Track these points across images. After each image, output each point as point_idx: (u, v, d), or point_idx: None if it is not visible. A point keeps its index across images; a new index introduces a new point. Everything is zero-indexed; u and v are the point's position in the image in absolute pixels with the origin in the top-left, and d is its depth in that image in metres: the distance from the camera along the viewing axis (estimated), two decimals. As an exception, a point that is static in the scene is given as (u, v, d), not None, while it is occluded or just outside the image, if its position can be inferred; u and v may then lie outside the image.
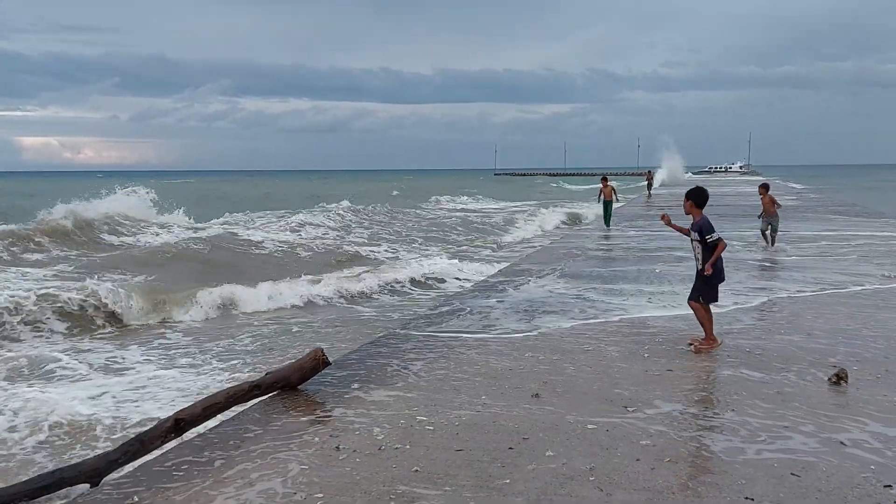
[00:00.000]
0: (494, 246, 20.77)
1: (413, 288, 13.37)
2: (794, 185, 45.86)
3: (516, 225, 26.34)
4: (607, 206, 17.54)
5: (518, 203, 43.13)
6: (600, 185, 18.05)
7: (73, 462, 4.85)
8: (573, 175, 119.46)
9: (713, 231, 5.57)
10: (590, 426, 4.05)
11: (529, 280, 9.42)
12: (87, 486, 4.03)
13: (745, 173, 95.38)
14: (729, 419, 4.14)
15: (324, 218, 25.96)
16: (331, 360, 5.14)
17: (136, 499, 3.27)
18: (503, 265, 12.95)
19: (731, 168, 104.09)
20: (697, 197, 5.74)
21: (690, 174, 71.69)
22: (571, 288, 8.73)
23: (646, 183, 37.37)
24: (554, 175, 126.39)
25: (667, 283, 8.94)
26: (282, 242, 19.53)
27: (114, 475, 3.94)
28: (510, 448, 3.75)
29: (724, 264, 5.76)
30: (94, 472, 4.35)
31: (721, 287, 5.78)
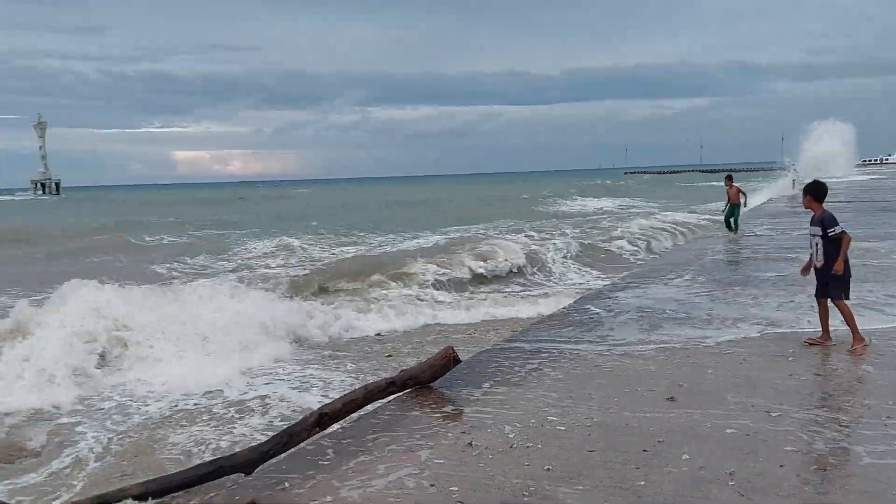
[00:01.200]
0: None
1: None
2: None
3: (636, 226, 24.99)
4: (733, 209, 15.65)
5: (644, 202, 41.90)
6: (725, 187, 15.97)
7: (230, 454, 5.24)
8: (708, 172, 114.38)
9: (836, 224, 5.42)
10: (728, 430, 3.92)
11: (656, 284, 9.17)
12: (243, 474, 4.35)
13: None
14: (881, 427, 3.88)
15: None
16: (461, 358, 5.26)
17: (286, 485, 3.51)
18: (631, 270, 12.65)
19: (887, 160, 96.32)
20: (816, 191, 5.67)
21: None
22: (702, 292, 8.41)
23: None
24: (687, 172, 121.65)
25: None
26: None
27: (266, 464, 4.23)
28: (644, 450, 3.70)
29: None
30: (248, 462, 4.68)
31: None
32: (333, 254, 20.05)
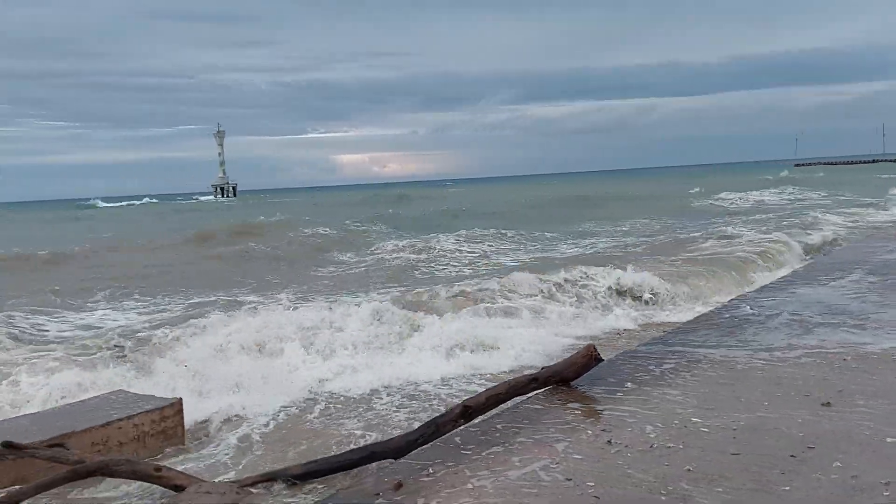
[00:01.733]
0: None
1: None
2: None
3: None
4: None
5: (821, 196, 38.93)
6: None
7: (383, 440, 5.60)
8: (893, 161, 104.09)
9: None
10: (889, 439, 3.69)
11: (821, 283, 8.60)
12: (392, 459, 4.66)
13: None
14: None
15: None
16: (603, 357, 5.29)
17: (430, 471, 3.74)
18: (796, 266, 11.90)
19: None
20: None
21: None
22: (874, 293, 7.80)
23: None
24: (870, 163, 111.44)
25: None
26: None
27: (413, 452, 4.50)
28: (792, 456, 3.58)
29: None
30: (397, 449, 5.01)
31: None
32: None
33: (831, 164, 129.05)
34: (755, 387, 4.74)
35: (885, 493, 3.10)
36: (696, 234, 20.66)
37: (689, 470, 3.51)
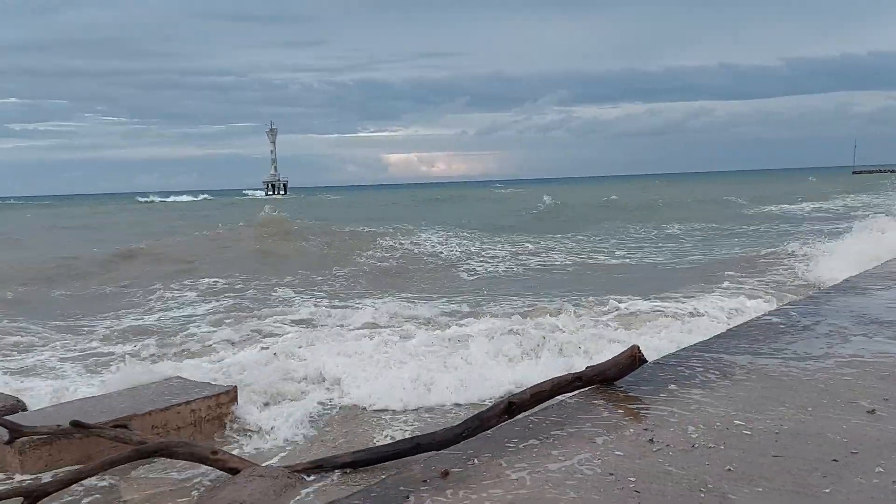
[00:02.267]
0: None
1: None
2: None
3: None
4: None
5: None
6: None
7: (429, 432, 5.77)
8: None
9: None
10: (934, 448, 3.70)
11: (863, 294, 8.46)
12: (436, 451, 4.81)
13: None
14: None
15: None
16: (648, 359, 5.35)
17: (476, 461, 3.88)
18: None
19: None
20: None
21: None
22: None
23: None
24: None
25: None
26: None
27: (459, 444, 4.64)
28: (834, 460, 3.62)
29: None
30: (443, 441, 5.16)
31: None
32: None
33: (893, 171, 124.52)
34: (800, 393, 4.75)
35: (926, 499, 3.13)
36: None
37: (729, 470, 3.57)
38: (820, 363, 5.46)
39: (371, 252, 24.36)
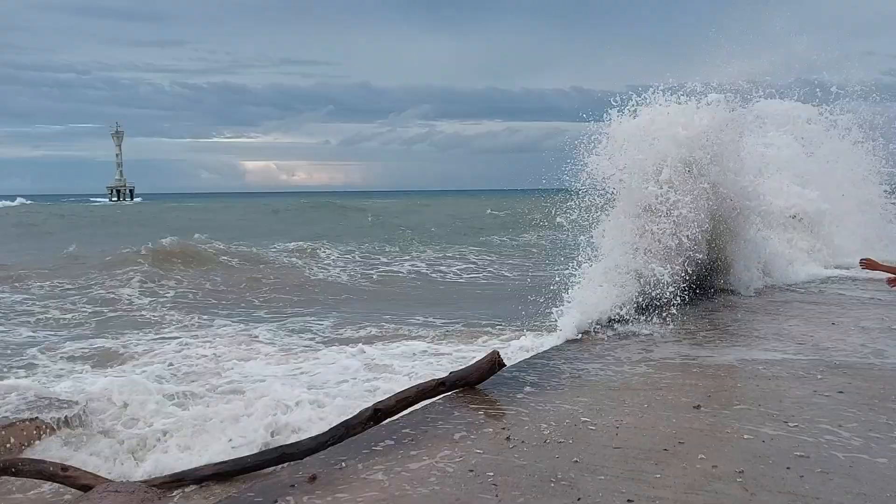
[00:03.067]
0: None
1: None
2: None
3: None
4: None
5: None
6: None
7: (293, 442, 5.79)
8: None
9: None
10: (746, 436, 4.26)
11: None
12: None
13: None
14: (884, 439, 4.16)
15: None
16: (506, 363, 5.71)
17: (343, 465, 4.02)
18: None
19: None
20: None
21: None
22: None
23: None
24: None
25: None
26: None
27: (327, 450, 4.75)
28: (665, 449, 4.08)
29: None
30: (308, 450, 5.22)
31: None
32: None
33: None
34: (637, 393, 5.27)
35: (737, 479, 3.63)
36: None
37: (576, 461, 3.94)
38: (656, 364, 6.07)
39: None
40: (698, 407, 4.86)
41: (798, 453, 3.97)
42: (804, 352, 6.47)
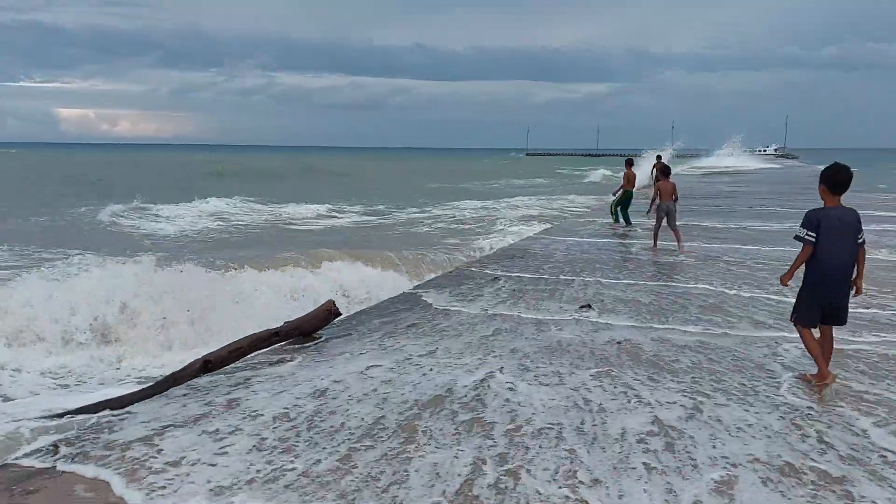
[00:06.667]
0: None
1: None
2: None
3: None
4: (628, 199, 13.98)
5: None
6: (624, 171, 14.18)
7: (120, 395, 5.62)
8: (602, 157, 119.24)
9: (800, 227, 4.21)
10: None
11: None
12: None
13: (779, 156, 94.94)
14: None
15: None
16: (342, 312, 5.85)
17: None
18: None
19: (765, 151, 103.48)
20: (829, 179, 4.25)
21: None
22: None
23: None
24: (585, 156, 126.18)
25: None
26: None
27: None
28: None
29: (828, 276, 4.22)
30: (131, 402, 5.10)
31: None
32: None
33: (556, 154, 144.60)
34: (454, 338, 5.62)
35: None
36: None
37: (403, 398, 4.19)
38: (466, 319, 6.47)
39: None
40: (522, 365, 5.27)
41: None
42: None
